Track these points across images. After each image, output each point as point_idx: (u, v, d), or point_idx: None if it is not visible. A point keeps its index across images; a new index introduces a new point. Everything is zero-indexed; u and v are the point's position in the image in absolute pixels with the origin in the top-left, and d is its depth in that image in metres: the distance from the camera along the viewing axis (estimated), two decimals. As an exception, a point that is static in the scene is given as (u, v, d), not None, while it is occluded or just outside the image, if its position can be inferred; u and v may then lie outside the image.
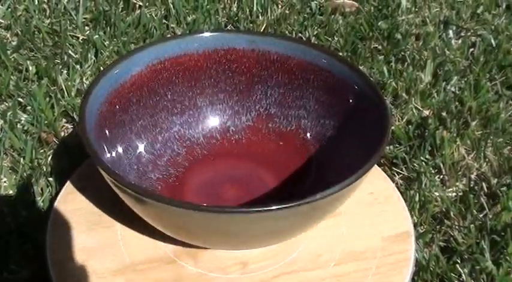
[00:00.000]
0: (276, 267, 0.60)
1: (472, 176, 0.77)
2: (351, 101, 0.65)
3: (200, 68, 0.69)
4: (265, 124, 0.71)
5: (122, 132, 0.64)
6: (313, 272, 0.60)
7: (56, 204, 0.65)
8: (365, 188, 0.65)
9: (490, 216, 0.70)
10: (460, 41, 1.05)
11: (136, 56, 0.65)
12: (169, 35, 1.02)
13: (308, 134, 0.69)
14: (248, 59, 0.69)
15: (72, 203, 0.65)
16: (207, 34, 0.69)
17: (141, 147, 0.66)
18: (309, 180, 0.66)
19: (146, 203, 0.51)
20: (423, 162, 0.77)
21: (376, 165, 0.70)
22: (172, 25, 1.05)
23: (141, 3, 1.08)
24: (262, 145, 0.71)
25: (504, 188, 0.74)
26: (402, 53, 1.00)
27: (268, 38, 0.69)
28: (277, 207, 0.48)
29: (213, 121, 0.71)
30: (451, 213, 0.71)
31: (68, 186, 0.67)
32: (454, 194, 0.74)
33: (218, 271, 0.59)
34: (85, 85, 0.88)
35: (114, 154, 0.62)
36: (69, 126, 0.83)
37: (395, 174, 0.77)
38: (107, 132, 0.61)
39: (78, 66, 0.93)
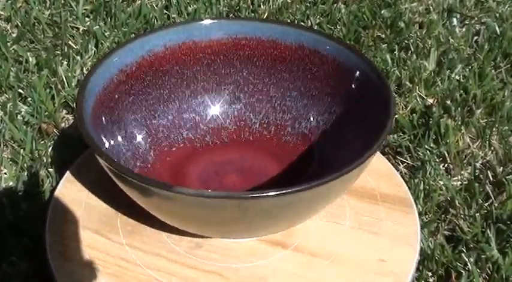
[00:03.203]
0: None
1: (477, 165, 0.76)
2: (353, 87, 0.64)
3: (217, 53, 0.69)
4: (277, 118, 0.71)
5: (122, 119, 0.64)
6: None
7: (55, 194, 0.64)
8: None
9: (496, 205, 0.70)
10: (464, 29, 1.04)
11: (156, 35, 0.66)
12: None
13: (311, 121, 0.68)
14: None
15: (71, 194, 0.64)
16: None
17: (142, 134, 0.66)
18: (312, 168, 0.65)
19: (144, 189, 0.50)
20: (427, 151, 0.77)
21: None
22: (173, 15, 1.04)
23: (141, -6, 1.08)
24: (271, 139, 0.70)
25: (510, 176, 0.73)
26: (406, 42, 0.99)
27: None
28: (275, 193, 0.47)
29: (224, 109, 0.71)
30: (456, 202, 0.70)
31: (67, 176, 0.66)
32: (459, 182, 0.74)
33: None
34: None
35: (113, 142, 0.61)
36: (70, 117, 0.82)
37: (400, 163, 0.76)
38: (103, 119, 0.60)
39: (78, 57, 0.92)
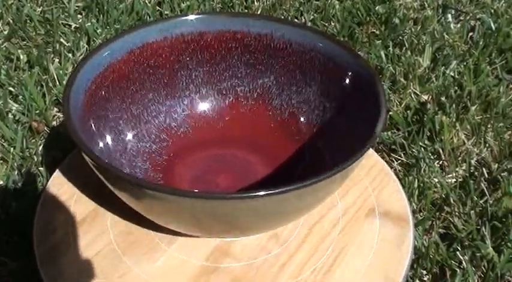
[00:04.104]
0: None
1: (472, 162, 0.76)
2: (345, 84, 0.63)
3: (123, 75, 0.65)
4: (203, 107, 0.70)
5: (110, 118, 0.63)
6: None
7: (43, 194, 0.63)
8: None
9: (491, 202, 0.69)
10: (459, 25, 1.03)
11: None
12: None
13: (303, 119, 0.67)
14: (162, 49, 0.66)
15: (59, 193, 0.63)
16: (119, 39, 0.63)
17: (131, 133, 0.65)
18: (303, 165, 0.65)
19: (133, 190, 0.49)
20: (422, 148, 0.76)
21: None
22: (166, 12, 1.03)
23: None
24: (215, 128, 0.70)
25: (505, 173, 0.73)
26: (400, 38, 0.99)
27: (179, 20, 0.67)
28: (265, 193, 0.46)
29: (154, 124, 0.68)
30: (451, 200, 0.69)
31: (56, 175, 0.65)
32: (454, 179, 0.73)
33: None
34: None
35: (101, 143, 0.60)
36: (61, 115, 0.81)
37: (394, 160, 0.76)
38: (91, 120, 0.59)
39: (70, 55, 0.91)
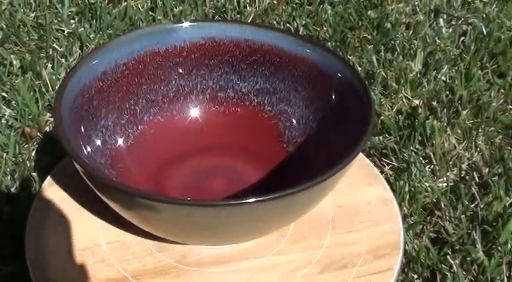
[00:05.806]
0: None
1: (463, 166, 0.76)
2: (334, 91, 0.63)
3: (115, 83, 0.65)
4: (191, 114, 0.70)
5: (101, 124, 0.63)
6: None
7: (35, 199, 0.63)
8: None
9: (482, 206, 0.69)
10: (450, 30, 1.04)
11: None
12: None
13: (291, 124, 0.68)
14: (154, 58, 0.67)
15: (51, 198, 0.63)
16: (111, 45, 0.64)
17: (120, 139, 0.65)
18: (292, 171, 0.65)
19: (122, 198, 0.50)
20: (413, 152, 0.76)
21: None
22: (159, 17, 1.03)
23: (127, -5, 1.07)
24: (203, 135, 0.70)
25: (495, 178, 0.73)
26: (392, 42, 0.99)
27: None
28: (254, 200, 0.46)
29: (144, 131, 0.68)
30: (442, 204, 0.70)
31: (48, 181, 0.65)
32: (445, 184, 0.73)
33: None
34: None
35: (90, 149, 0.60)
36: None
37: (385, 164, 0.76)
38: (82, 126, 0.60)
39: (63, 60, 0.91)
